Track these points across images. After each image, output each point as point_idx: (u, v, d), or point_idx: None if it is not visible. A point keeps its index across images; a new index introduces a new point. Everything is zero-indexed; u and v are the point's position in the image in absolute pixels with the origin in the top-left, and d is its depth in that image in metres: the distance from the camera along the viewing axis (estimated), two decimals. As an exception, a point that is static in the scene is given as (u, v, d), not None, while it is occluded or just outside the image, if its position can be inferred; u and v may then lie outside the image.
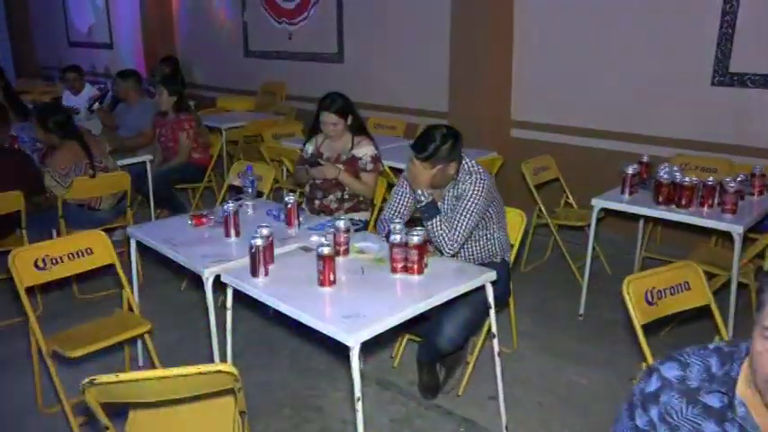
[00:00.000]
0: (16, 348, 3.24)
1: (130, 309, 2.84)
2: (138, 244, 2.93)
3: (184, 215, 3.12)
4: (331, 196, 3.48)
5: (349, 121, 3.46)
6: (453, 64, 5.25)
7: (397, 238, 2.33)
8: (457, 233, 2.51)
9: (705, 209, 3.15)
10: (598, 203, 3.41)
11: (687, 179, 3.12)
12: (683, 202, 3.13)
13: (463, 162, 2.63)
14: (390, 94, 6.02)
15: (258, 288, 2.29)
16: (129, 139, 4.89)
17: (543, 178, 4.18)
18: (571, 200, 4.30)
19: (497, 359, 2.56)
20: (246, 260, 2.48)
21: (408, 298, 2.19)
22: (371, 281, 2.33)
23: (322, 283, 2.25)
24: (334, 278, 2.26)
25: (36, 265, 2.57)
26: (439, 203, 2.63)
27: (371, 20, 6.18)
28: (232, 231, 2.74)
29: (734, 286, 3.03)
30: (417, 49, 5.80)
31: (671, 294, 2.29)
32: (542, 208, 4.02)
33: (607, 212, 3.65)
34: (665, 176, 3.17)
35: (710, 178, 3.14)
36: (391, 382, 2.98)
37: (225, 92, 7.75)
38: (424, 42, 5.71)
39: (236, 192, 4.37)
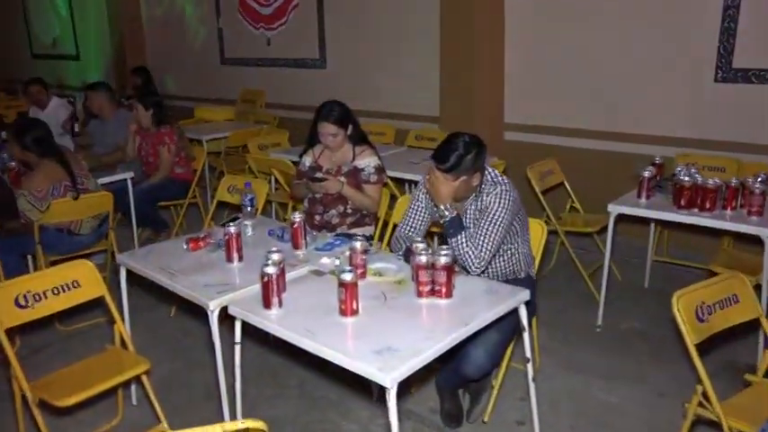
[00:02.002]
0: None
1: (122, 344, 2.58)
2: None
3: (178, 238, 2.87)
4: (333, 211, 3.26)
5: (349, 130, 3.24)
6: (444, 66, 5.06)
7: (422, 259, 2.13)
8: (483, 250, 2.31)
9: (728, 211, 3.01)
10: (615, 209, 3.25)
11: (711, 181, 2.97)
12: (707, 205, 2.98)
13: (486, 172, 2.44)
14: (377, 100, 5.82)
15: (272, 321, 2.06)
16: (107, 155, 4.59)
17: (549, 183, 4.01)
18: (577, 204, 4.15)
19: (531, 385, 2.38)
20: (254, 288, 2.27)
21: (442, 326, 1.98)
22: (397, 307, 2.12)
23: (344, 313, 2.03)
24: (357, 307, 2.04)
25: (17, 303, 2.29)
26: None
27: (354, 23, 5.97)
28: (235, 256, 2.50)
29: (765, 293, 2.88)
30: (405, 52, 5.61)
31: (720, 309, 2.12)
32: (550, 214, 3.85)
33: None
34: (687, 179, 3.02)
35: (734, 180, 3.00)
36: (411, 411, 2.76)
37: (201, 101, 7.45)
38: (412, 44, 5.52)
39: (224, 208, 4.13)
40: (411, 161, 4.27)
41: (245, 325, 2.18)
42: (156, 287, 2.52)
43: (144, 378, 2.45)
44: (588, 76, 4.62)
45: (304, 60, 6.45)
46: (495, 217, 2.34)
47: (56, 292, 2.39)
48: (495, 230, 2.33)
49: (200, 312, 2.33)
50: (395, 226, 3.26)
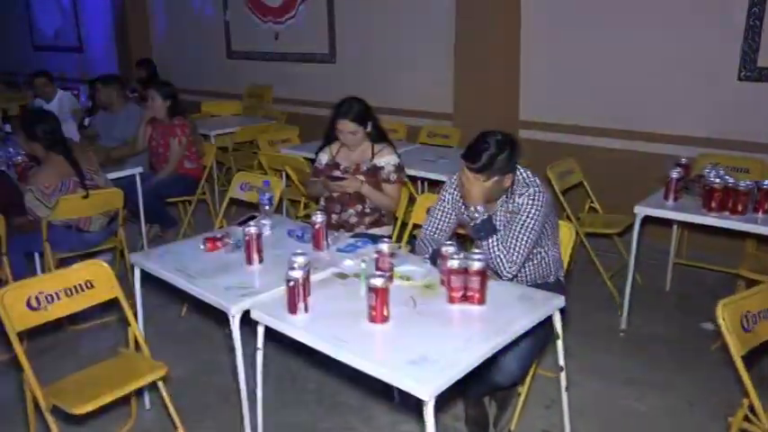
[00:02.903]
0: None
1: (136, 347, 2.49)
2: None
3: (194, 238, 2.77)
4: (351, 210, 3.17)
5: (368, 128, 3.15)
6: (458, 62, 4.96)
7: (455, 263, 2.03)
8: (516, 254, 2.22)
9: (760, 215, 2.92)
10: (641, 211, 3.16)
11: (742, 183, 2.88)
12: (739, 207, 2.89)
13: (518, 172, 2.34)
14: (389, 96, 5.70)
15: (298, 327, 1.97)
16: (116, 149, 4.49)
17: (568, 183, 3.92)
18: (596, 205, 4.05)
19: (564, 394, 2.29)
20: (276, 291, 2.18)
21: (478, 335, 1.89)
22: (428, 314, 2.03)
23: (374, 320, 1.94)
24: (388, 313, 1.95)
25: (29, 305, 2.20)
26: (491, 219, 2.33)
27: (366, 17, 5.86)
28: (255, 257, 2.41)
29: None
30: (418, 47, 5.50)
31: (763, 318, 2.03)
32: (570, 215, 3.75)
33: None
34: (717, 180, 2.93)
35: (766, 182, 2.90)
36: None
37: (206, 95, 7.33)
38: (425, 40, 5.42)
39: (235, 206, 4.04)
40: (426, 159, 4.17)
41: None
42: (166, 285, 2.43)
43: (161, 385, 2.36)
44: (606, 73, 4.52)
45: (313, 55, 6.34)
46: (528, 219, 2.25)
47: (69, 293, 2.30)
48: (527, 233, 2.24)
49: (211, 312, 2.25)
50: (414, 226, 3.18)
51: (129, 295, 2.52)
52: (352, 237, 2.99)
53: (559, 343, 2.19)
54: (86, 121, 5.08)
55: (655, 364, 3.07)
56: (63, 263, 3.47)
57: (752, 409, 1.94)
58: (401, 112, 5.60)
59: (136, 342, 2.47)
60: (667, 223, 3.73)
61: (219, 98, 6.97)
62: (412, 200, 3.38)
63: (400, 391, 2.72)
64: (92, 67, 8.76)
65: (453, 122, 5.15)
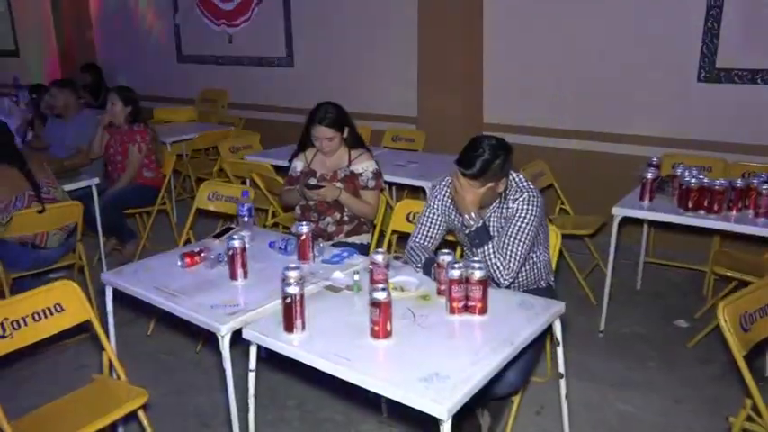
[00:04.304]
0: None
1: (110, 371, 2.32)
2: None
3: (168, 253, 2.61)
4: (328, 219, 3.07)
5: (345, 133, 3.06)
6: (422, 64, 4.92)
7: (456, 272, 1.97)
8: (513, 260, 2.18)
9: (734, 213, 2.98)
10: (619, 212, 3.17)
11: (718, 182, 2.93)
12: (715, 207, 2.94)
13: (511, 177, 2.30)
14: (350, 99, 5.47)
15: (296, 346, 1.86)
16: (69, 159, 4.24)
17: (539, 185, 3.90)
18: (567, 206, 4.08)
19: (564, 402, 2.26)
20: (266, 308, 2.08)
21: (486, 347, 1.82)
22: (429, 327, 1.95)
23: (376, 335, 1.86)
24: (391, 328, 1.87)
25: (-8, 333, 2.02)
26: (484, 226, 2.28)
27: (324, 19, 5.75)
28: (240, 272, 2.28)
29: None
30: (379, 49, 5.44)
31: (760, 317, 2.05)
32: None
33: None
34: (693, 180, 2.97)
35: (739, 181, 2.97)
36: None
37: (156, 101, 7.06)
38: (387, 41, 5.36)
39: (203, 216, 3.86)
40: (396, 164, 4.10)
41: (234, 339, 1.99)
42: (130, 302, 2.28)
43: (141, 414, 2.20)
44: (570, 76, 4.57)
45: (270, 59, 6.19)
46: (523, 225, 2.21)
47: (37, 317, 2.12)
48: (522, 239, 2.20)
49: (181, 329, 2.12)
50: (381, 232, 3.11)
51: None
52: (332, 246, 2.90)
53: (559, 350, 2.16)
54: (29, 136, 4.78)
55: (637, 365, 3.09)
56: (16, 283, 3.24)
57: (754, 408, 1.94)
58: (363, 116, 5.49)
59: (110, 366, 2.31)
60: (638, 222, 3.78)
61: (171, 104, 6.73)
62: (388, 207, 3.30)
63: (388, 404, 2.66)
64: (30, 71, 8.33)
65: (417, 125, 5.11)
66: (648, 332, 3.42)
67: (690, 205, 3.00)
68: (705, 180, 2.98)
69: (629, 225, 3.85)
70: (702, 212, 2.99)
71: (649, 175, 3.17)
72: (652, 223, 3.78)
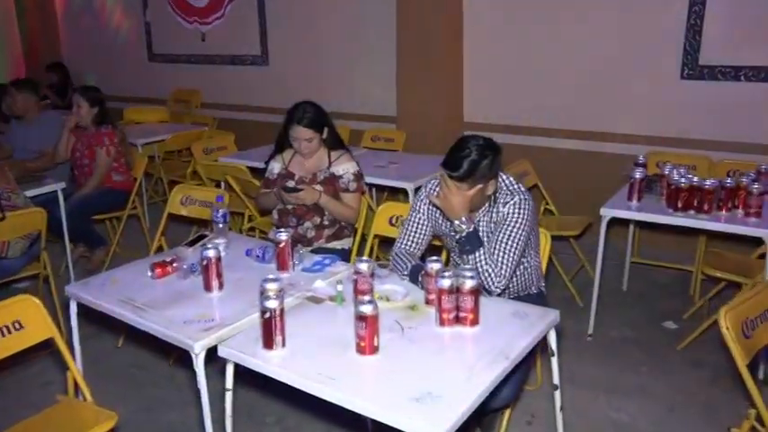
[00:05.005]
0: None
1: (75, 392, 2.16)
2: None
3: (138, 263, 2.45)
4: (308, 223, 2.93)
5: (324, 134, 2.93)
6: (401, 62, 4.80)
7: (446, 282, 1.85)
8: (504, 267, 2.07)
9: (723, 212, 2.91)
10: (608, 213, 3.09)
11: (708, 182, 2.86)
12: (705, 207, 2.87)
13: (501, 179, 2.19)
14: (327, 98, 5.33)
15: (276, 365, 1.73)
16: (33, 161, 4.04)
17: (524, 186, 3.80)
18: (552, 207, 3.99)
19: (559, 414, 2.16)
20: (243, 322, 1.94)
21: (480, 361, 1.71)
22: (418, 340, 1.84)
23: (362, 351, 1.73)
24: (378, 343, 1.75)
25: (-56, 355, 1.85)
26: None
27: (300, 16, 5.61)
28: (215, 283, 2.14)
29: None
30: (357, 48, 5.31)
31: (761, 323, 1.96)
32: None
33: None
34: (683, 180, 2.90)
35: (728, 180, 2.90)
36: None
37: (127, 101, 6.84)
38: (365, 40, 5.24)
39: (176, 222, 3.69)
40: (377, 165, 3.98)
41: (209, 354, 1.86)
42: (98, 312, 2.13)
43: (110, 435, 2.05)
44: (553, 73, 4.49)
45: (244, 57, 6.02)
46: (515, 230, 2.10)
47: (-7, 337, 1.96)
48: (514, 245, 2.09)
49: (153, 340, 1.97)
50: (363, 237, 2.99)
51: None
52: (311, 252, 2.77)
53: (554, 360, 2.06)
54: None
55: (628, 369, 3.01)
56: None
57: (758, 418, 1.86)
58: (341, 116, 5.36)
59: (75, 386, 2.15)
60: (623, 222, 3.70)
61: (142, 104, 6.52)
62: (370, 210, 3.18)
63: (374, 422, 2.54)
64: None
65: (397, 125, 4.99)
66: (637, 335, 3.34)
67: (679, 205, 2.92)
68: (695, 179, 2.91)
69: (614, 225, 3.78)
70: (692, 212, 2.92)
71: (637, 175, 3.09)
72: (638, 223, 3.71)
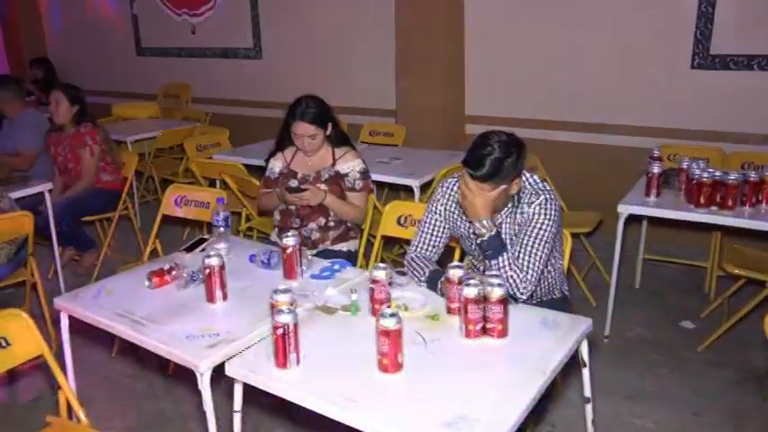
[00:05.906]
0: None
1: (69, 414, 2.00)
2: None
3: (135, 271, 2.29)
4: (312, 225, 2.77)
5: (328, 130, 2.77)
6: (400, 54, 4.64)
7: (472, 291, 1.71)
8: (531, 272, 1.93)
9: (747, 208, 2.79)
10: (625, 209, 2.96)
11: (732, 176, 2.73)
12: (729, 202, 2.74)
13: (524, 178, 2.05)
14: (323, 92, 5.21)
15: (291, 385, 1.58)
16: (9, 158, 3.86)
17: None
18: (561, 203, 3.83)
19: (591, 428, 2.02)
20: (251, 336, 1.79)
21: (515, 378, 1.57)
22: (444, 354, 1.69)
23: (385, 369, 1.59)
24: (402, 360, 1.60)
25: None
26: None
27: (294, 5, 5.43)
28: (218, 294, 1.98)
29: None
30: (355, 39, 5.15)
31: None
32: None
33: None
34: (705, 175, 2.77)
35: (752, 174, 2.77)
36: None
37: (114, 97, 6.64)
38: (363, 31, 5.07)
39: (168, 223, 3.53)
40: (379, 160, 3.82)
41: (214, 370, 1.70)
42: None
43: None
44: (559, 64, 4.35)
45: (236, 50, 5.84)
46: (541, 232, 1.96)
47: (-23, 356, 1.80)
48: (541, 248, 1.95)
49: (148, 350, 1.82)
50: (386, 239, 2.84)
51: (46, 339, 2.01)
52: (316, 255, 2.61)
53: (585, 372, 1.92)
54: None
55: (648, 373, 2.88)
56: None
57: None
58: (338, 110, 5.17)
59: (68, 407, 1.99)
60: (636, 217, 3.58)
61: (131, 99, 6.31)
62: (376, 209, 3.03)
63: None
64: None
65: (397, 119, 4.84)
66: (654, 335, 3.22)
67: (702, 201, 2.79)
68: (717, 174, 2.78)
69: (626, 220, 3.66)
70: (715, 208, 2.79)
71: (656, 170, 2.95)
72: (651, 218, 3.58)
